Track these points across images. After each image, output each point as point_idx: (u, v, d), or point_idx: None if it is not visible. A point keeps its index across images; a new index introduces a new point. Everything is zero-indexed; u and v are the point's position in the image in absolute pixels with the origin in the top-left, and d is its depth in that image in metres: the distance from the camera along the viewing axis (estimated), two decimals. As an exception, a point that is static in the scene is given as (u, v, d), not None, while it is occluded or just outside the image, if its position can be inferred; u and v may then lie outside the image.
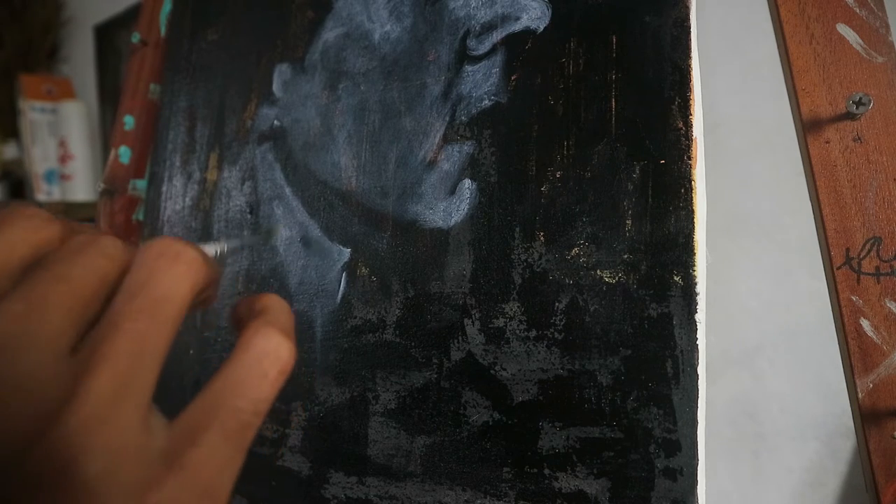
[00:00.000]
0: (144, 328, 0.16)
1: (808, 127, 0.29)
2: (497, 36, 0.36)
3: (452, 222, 0.36)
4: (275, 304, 0.20)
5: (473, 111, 0.36)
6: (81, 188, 1.59)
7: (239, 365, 0.17)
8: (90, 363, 0.15)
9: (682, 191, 0.30)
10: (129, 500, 0.14)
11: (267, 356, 0.18)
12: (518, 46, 0.35)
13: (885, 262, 0.27)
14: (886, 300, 0.27)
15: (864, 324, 0.27)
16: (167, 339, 0.17)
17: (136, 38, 0.56)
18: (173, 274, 0.17)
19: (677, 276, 0.29)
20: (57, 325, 0.15)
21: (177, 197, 0.50)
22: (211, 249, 0.23)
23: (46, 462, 0.14)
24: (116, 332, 0.16)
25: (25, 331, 0.15)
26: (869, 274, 0.27)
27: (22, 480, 0.14)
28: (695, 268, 0.29)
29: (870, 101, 0.27)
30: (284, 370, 0.18)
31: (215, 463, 0.16)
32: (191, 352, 0.46)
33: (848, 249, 0.28)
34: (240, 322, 0.19)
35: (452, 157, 0.37)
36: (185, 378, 0.46)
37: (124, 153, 0.54)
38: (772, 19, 0.31)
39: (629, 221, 0.31)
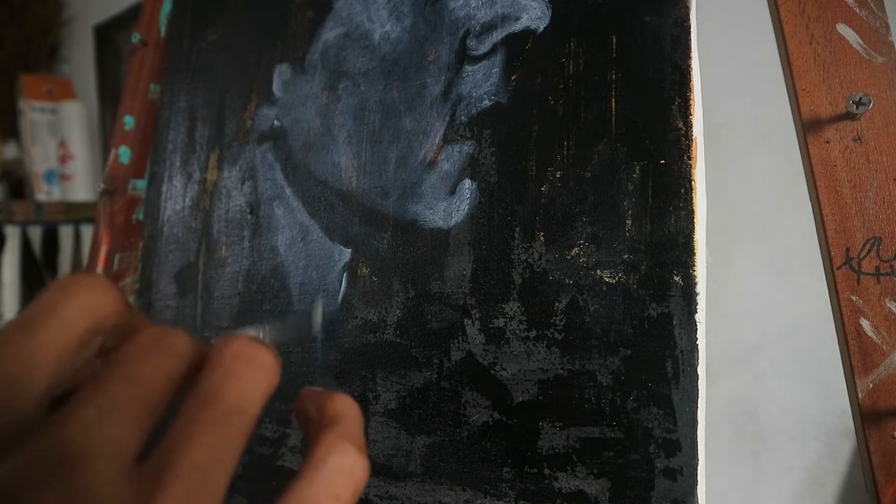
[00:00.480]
0: (218, 441, 0.15)
1: (808, 127, 0.29)
2: (497, 36, 0.36)
3: (452, 222, 0.36)
4: (348, 411, 0.19)
5: (473, 111, 0.36)
6: (81, 188, 1.59)
7: (312, 484, 0.16)
8: (161, 479, 0.14)
9: (682, 191, 0.30)
10: None
11: (342, 476, 0.17)
12: (518, 46, 0.35)
13: (885, 262, 0.27)
14: (886, 300, 0.27)
15: (864, 324, 0.27)
16: (239, 453, 0.16)
17: (136, 38, 0.56)
18: (249, 380, 0.16)
19: (677, 276, 0.29)
20: (127, 433, 0.14)
21: (177, 197, 0.50)
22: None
23: None
24: (189, 445, 0.15)
25: (96, 439, 0.14)
26: (869, 274, 0.27)
27: None
28: (695, 268, 0.29)
29: (870, 101, 0.27)
30: (358, 491, 0.17)
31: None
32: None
33: (848, 249, 0.28)
34: (307, 422, 0.18)
35: (452, 157, 0.37)
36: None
37: (124, 153, 0.54)
38: (772, 19, 0.31)
39: (629, 221, 0.31)
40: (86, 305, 0.16)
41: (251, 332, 0.22)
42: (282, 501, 0.16)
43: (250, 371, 0.16)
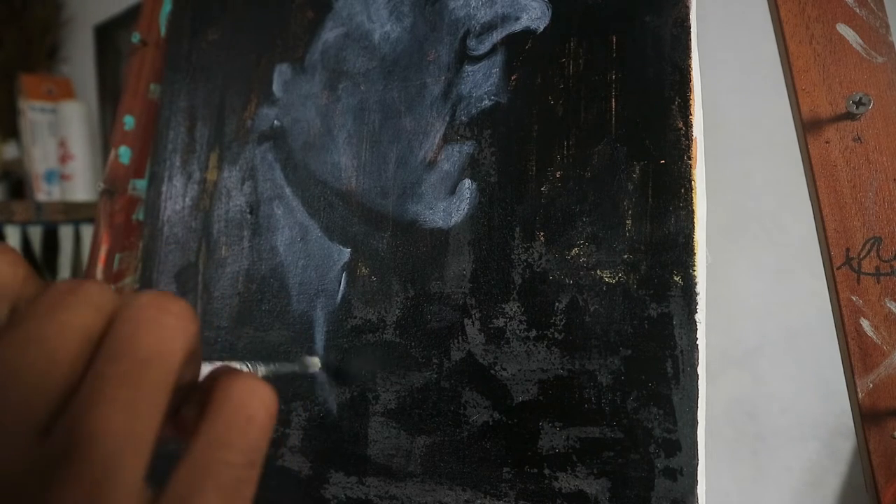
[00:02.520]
0: (135, 398, 0.13)
1: (808, 127, 0.29)
2: (497, 36, 0.36)
3: (452, 222, 0.36)
4: (229, 366, 0.17)
5: (473, 111, 0.36)
6: (81, 188, 1.59)
7: (219, 415, 0.15)
8: (71, 448, 0.12)
9: (682, 191, 0.30)
10: None
11: (251, 398, 0.15)
12: (518, 46, 0.35)
13: (885, 262, 0.27)
14: (886, 300, 0.27)
15: (864, 324, 0.27)
16: (161, 410, 0.14)
17: (136, 38, 0.56)
18: (162, 328, 0.14)
19: (677, 276, 0.29)
20: (27, 405, 0.13)
21: (177, 197, 0.50)
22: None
23: None
24: (100, 406, 0.13)
25: None
26: (869, 274, 0.27)
27: None
28: (695, 268, 0.29)
29: (870, 101, 0.27)
30: (272, 412, 0.16)
31: None
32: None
33: (848, 249, 0.28)
34: (203, 396, 0.16)
35: (452, 157, 0.37)
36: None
37: (124, 153, 0.54)
38: (772, 19, 0.31)
39: (629, 221, 0.31)
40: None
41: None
42: (193, 441, 0.15)
43: (162, 318, 0.14)
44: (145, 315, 0.14)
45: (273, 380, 0.40)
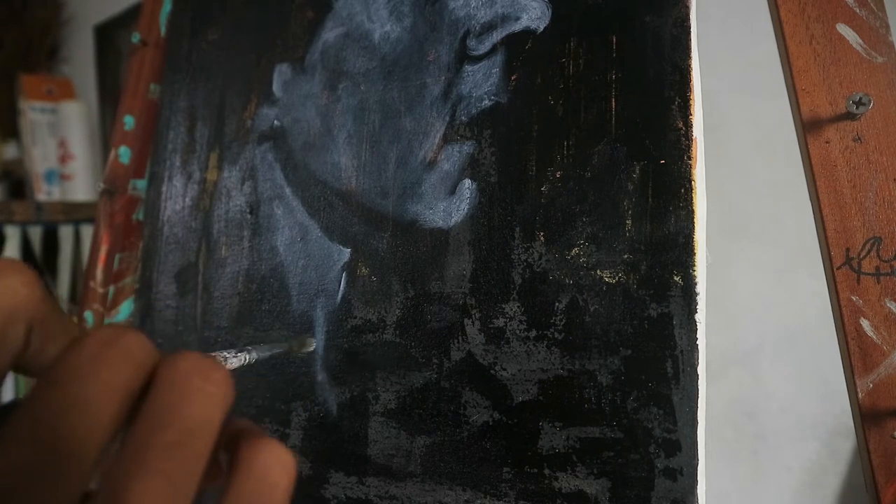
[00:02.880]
0: (177, 469, 0.13)
1: (808, 127, 0.29)
2: (497, 36, 0.36)
3: (452, 222, 0.36)
4: (250, 423, 0.17)
5: (473, 111, 0.36)
6: (81, 188, 1.59)
7: (248, 482, 0.15)
8: None
9: (682, 191, 0.30)
10: None
11: (274, 466, 0.16)
12: (518, 46, 0.35)
13: (885, 262, 0.27)
14: (886, 300, 0.27)
15: (864, 324, 0.27)
16: (198, 481, 0.14)
17: (136, 38, 0.56)
18: (207, 398, 0.14)
19: (677, 276, 0.29)
20: (69, 474, 0.12)
21: (177, 197, 0.50)
22: (236, 361, 0.22)
23: None
24: (144, 475, 0.13)
25: (29, 486, 0.12)
26: (869, 274, 0.27)
27: None
28: (695, 268, 0.29)
29: (870, 101, 0.27)
30: (293, 477, 0.16)
31: None
32: (191, 352, 0.46)
33: (848, 249, 0.28)
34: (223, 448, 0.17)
35: (452, 157, 0.37)
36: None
37: (124, 153, 0.54)
38: (772, 19, 0.31)
39: (629, 221, 0.31)
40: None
41: (239, 357, 0.21)
42: (223, 500, 0.15)
43: (206, 388, 0.14)
44: (190, 384, 0.14)
45: (269, 361, 0.40)
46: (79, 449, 0.13)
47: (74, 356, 0.13)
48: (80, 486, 0.13)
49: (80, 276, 1.38)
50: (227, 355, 0.22)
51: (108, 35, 1.64)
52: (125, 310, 0.51)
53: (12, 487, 0.12)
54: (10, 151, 1.75)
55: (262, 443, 0.16)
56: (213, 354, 0.21)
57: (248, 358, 0.22)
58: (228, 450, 0.16)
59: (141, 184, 0.54)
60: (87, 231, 1.43)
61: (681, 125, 0.30)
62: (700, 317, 0.29)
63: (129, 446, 0.13)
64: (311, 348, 0.39)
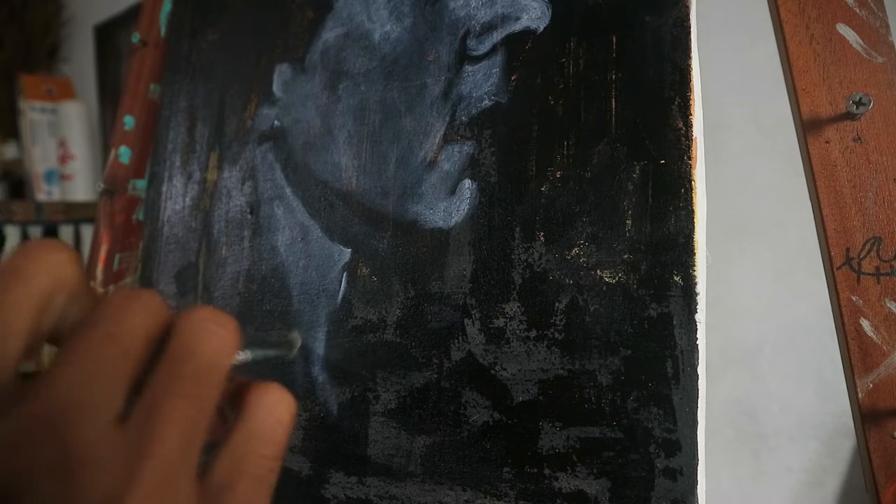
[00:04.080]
0: (197, 395, 0.16)
1: (808, 127, 0.29)
2: (497, 36, 0.36)
3: (453, 222, 0.36)
4: (252, 377, 0.20)
5: (473, 111, 0.36)
6: (81, 188, 1.59)
7: (257, 417, 0.18)
8: (147, 436, 0.15)
9: (682, 191, 0.30)
10: None
11: (279, 405, 0.19)
12: (518, 46, 0.35)
13: (885, 262, 0.27)
14: (886, 300, 0.27)
15: (864, 324, 0.27)
16: (214, 405, 0.17)
17: (136, 38, 0.56)
18: (219, 339, 0.17)
19: (677, 276, 0.29)
20: (110, 392, 0.15)
21: (177, 197, 0.50)
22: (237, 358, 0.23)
23: None
24: (170, 401, 0.16)
25: (80, 398, 0.14)
26: (869, 274, 0.27)
27: None
28: (695, 268, 0.29)
29: (870, 101, 0.27)
30: (294, 416, 0.20)
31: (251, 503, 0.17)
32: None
33: (848, 249, 0.28)
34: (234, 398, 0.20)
35: (452, 157, 0.37)
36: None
37: (124, 153, 0.54)
38: (772, 19, 0.31)
39: (629, 221, 0.31)
40: (46, 265, 0.16)
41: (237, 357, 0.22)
42: (234, 435, 0.18)
43: (219, 331, 0.17)
44: (206, 326, 0.17)
45: (261, 364, 0.41)
46: (116, 374, 0.15)
47: (105, 307, 0.16)
48: (118, 404, 0.15)
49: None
50: None
51: (108, 35, 1.64)
52: (125, 310, 0.51)
53: (67, 403, 0.14)
54: (10, 151, 1.75)
55: (268, 386, 0.19)
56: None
57: (243, 358, 0.23)
58: (234, 402, 0.19)
59: (141, 184, 0.54)
60: (87, 231, 1.43)
61: (681, 125, 0.30)
62: (700, 317, 0.29)
63: (158, 376, 0.16)
64: (299, 344, 0.39)
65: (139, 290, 0.17)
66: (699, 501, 0.27)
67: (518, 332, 0.33)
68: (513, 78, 0.35)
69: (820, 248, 0.29)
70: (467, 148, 0.36)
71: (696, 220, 0.29)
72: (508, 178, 0.34)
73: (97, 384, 0.15)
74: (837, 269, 0.28)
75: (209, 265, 0.46)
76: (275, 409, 0.19)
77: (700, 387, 0.28)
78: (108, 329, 0.16)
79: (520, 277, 0.33)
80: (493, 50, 0.36)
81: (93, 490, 0.14)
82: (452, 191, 0.36)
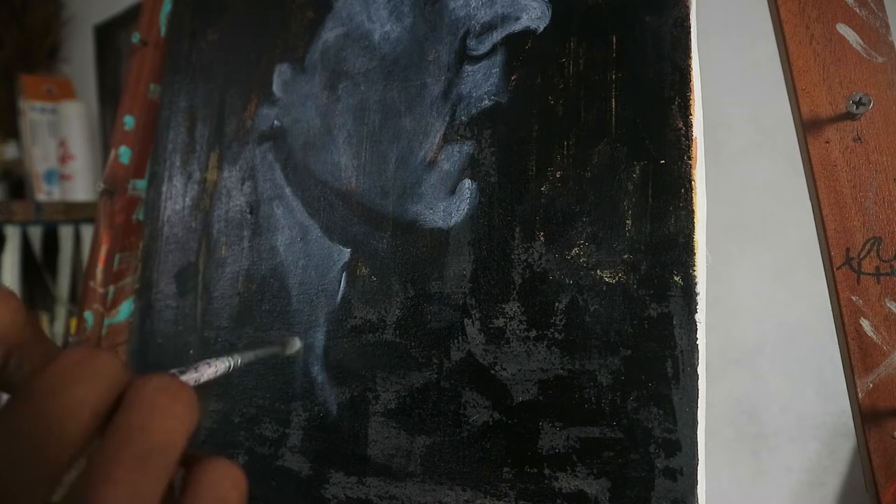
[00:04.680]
0: (141, 482, 0.14)
1: (808, 127, 0.29)
2: (497, 36, 0.36)
3: (452, 222, 0.36)
4: (207, 452, 0.19)
5: (473, 111, 0.36)
6: (81, 188, 1.59)
7: (198, 495, 0.16)
8: None
9: (682, 191, 0.30)
10: None
11: (223, 482, 0.17)
12: (518, 46, 0.35)
13: (885, 262, 0.27)
14: (886, 300, 0.27)
15: (864, 324, 0.27)
16: (159, 494, 0.15)
17: (136, 38, 0.56)
18: (173, 417, 0.15)
19: (677, 276, 0.29)
20: (38, 476, 0.13)
21: (177, 197, 0.50)
22: (223, 365, 0.22)
23: None
24: (107, 485, 0.14)
25: (7, 485, 0.13)
26: (869, 274, 0.27)
27: None
28: (695, 268, 0.29)
29: (870, 101, 0.27)
30: (242, 492, 0.17)
31: None
32: (191, 352, 0.46)
33: (848, 249, 0.28)
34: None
35: (452, 157, 0.37)
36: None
37: (124, 153, 0.54)
38: (772, 19, 0.31)
39: (629, 221, 0.31)
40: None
41: (222, 364, 0.21)
42: None
43: (172, 408, 0.15)
44: (157, 402, 0.15)
45: (269, 362, 0.41)
46: (50, 457, 0.14)
47: (49, 373, 0.14)
48: (48, 491, 0.14)
49: (80, 276, 1.38)
50: (212, 361, 0.22)
51: (108, 35, 1.64)
52: (125, 310, 0.51)
53: None
54: (10, 151, 1.75)
55: (213, 461, 0.17)
56: (199, 363, 0.21)
57: (231, 364, 0.23)
58: (186, 473, 0.17)
59: (141, 184, 0.54)
60: (87, 231, 1.43)
61: (681, 125, 0.30)
62: (700, 317, 0.29)
63: (98, 457, 0.14)
64: (297, 348, 0.39)
65: (95, 353, 0.15)
66: (699, 501, 0.27)
67: (518, 332, 0.33)
68: (513, 78, 0.35)
69: (820, 248, 0.29)
70: (467, 148, 0.36)
71: (696, 220, 0.29)
72: (508, 178, 0.34)
73: (25, 469, 0.13)
74: (837, 269, 0.28)
75: (209, 265, 0.46)
76: (218, 486, 0.17)
77: (700, 387, 0.28)
78: (49, 403, 0.14)
79: (520, 277, 0.33)
80: (493, 50, 0.36)
81: None
82: (452, 191, 0.36)
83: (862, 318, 0.27)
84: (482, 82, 0.36)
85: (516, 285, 0.33)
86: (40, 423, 0.14)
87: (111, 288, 0.51)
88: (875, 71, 0.28)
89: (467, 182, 0.36)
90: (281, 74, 0.46)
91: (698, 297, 0.29)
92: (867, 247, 0.28)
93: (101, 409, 0.15)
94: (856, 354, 0.27)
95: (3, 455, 0.13)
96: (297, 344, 0.39)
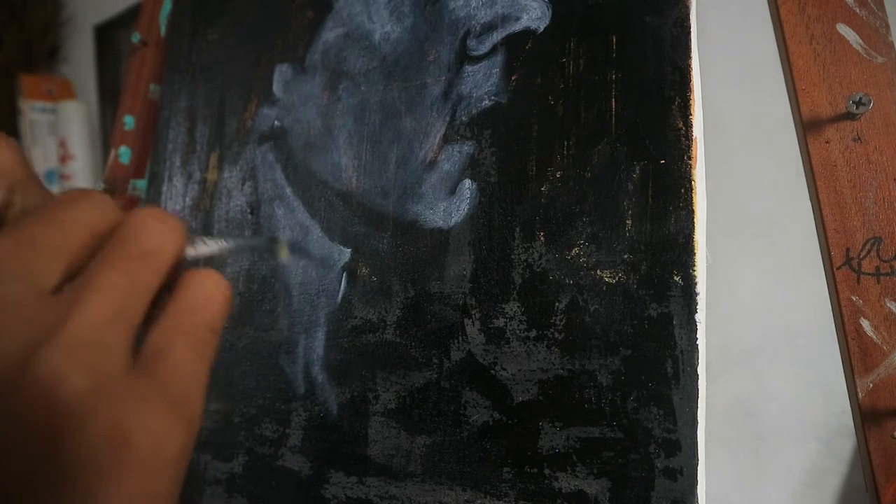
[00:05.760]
0: (136, 271, 0.17)
1: (808, 127, 0.29)
2: (497, 36, 0.36)
3: (453, 222, 0.36)
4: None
5: (473, 111, 0.36)
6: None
7: (186, 293, 0.19)
8: (75, 301, 0.15)
9: (682, 191, 0.30)
10: (114, 412, 0.15)
11: (207, 281, 0.19)
12: (518, 46, 0.35)
13: (885, 262, 0.27)
14: (886, 300, 0.27)
15: (864, 324, 0.27)
16: (153, 288, 0.17)
17: (136, 38, 0.56)
18: (161, 231, 0.18)
19: (677, 276, 0.29)
20: (43, 264, 0.16)
21: (177, 197, 0.50)
22: (214, 245, 0.23)
23: (36, 384, 0.14)
24: (108, 270, 0.16)
25: (11, 265, 0.15)
26: (869, 274, 0.27)
27: (14, 405, 0.14)
28: (695, 268, 0.29)
29: (870, 101, 0.27)
30: (227, 295, 0.20)
31: (185, 371, 0.17)
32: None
33: (848, 249, 0.28)
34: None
35: (453, 157, 0.37)
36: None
37: (124, 153, 0.54)
38: (772, 19, 0.31)
39: (629, 221, 0.31)
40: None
41: (213, 244, 0.22)
42: (167, 309, 0.18)
43: (162, 225, 0.18)
44: (149, 220, 0.18)
45: (269, 361, 0.41)
46: (53, 252, 0.16)
47: (54, 200, 0.17)
48: (52, 278, 0.16)
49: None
50: (206, 239, 0.23)
51: (108, 35, 1.64)
52: (125, 310, 0.51)
53: None
54: (10, 151, 1.74)
55: (200, 270, 0.20)
56: (195, 238, 0.23)
57: (224, 244, 0.23)
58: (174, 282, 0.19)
59: (141, 184, 0.54)
60: (87, 231, 1.43)
61: (681, 125, 0.30)
62: (700, 317, 0.29)
63: (96, 259, 0.17)
64: (285, 257, 0.40)
65: (91, 190, 0.18)
66: (699, 501, 0.27)
67: (518, 332, 0.33)
68: (513, 78, 0.35)
69: (820, 248, 0.29)
70: (467, 148, 0.36)
71: (696, 220, 0.29)
72: (508, 178, 0.34)
73: (30, 255, 0.15)
74: (837, 269, 0.28)
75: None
76: (204, 286, 0.19)
77: (700, 387, 0.28)
78: (53, 215, 0.16)
79: (520, 277, 0.33)
80: (494, 50, 0.36)
81: (11, 342, 0.14)
82: (452, 191, 0.36)
83: (862, 318, 0.27)
84: (482, 82, 0.36)
85: (516, 285, 0.33)
86: (49, 226, 0.16)
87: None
88: (875, 71, 0.28)
89: (467, 182, 0.36)
90: (281, 74, 0.46)
91: (698, 297, 0.29)
92: (867, 247, 0.28)
93: (97, 231, 0.17)
94: (856, 354, 0.27)
95: (18, 241, 0.16)
96: (286, 252, 0.40)
